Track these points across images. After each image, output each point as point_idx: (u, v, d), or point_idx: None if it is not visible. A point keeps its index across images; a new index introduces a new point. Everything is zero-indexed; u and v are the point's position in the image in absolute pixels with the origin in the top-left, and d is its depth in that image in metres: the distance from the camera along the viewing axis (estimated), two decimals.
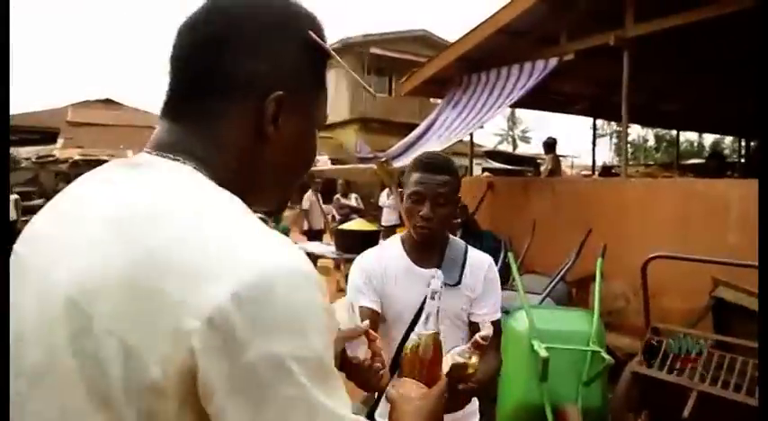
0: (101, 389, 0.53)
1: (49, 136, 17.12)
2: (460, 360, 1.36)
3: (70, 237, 0.60)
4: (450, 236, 1.84)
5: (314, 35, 0.72)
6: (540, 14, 5.65)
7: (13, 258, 0.67)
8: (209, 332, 0.51)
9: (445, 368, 1.34)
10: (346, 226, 6.15)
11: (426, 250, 1.76)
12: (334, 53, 0.75)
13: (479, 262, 1.79)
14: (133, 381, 0.52)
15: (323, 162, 8.46)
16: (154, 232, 0.56)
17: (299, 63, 0.71)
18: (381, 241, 6.31)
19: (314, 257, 6.89)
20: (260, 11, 0.70)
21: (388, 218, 9.34)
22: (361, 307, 1.67)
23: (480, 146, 24.54)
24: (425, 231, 1.69)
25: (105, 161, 0.79)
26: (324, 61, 0.75)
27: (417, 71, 7.58)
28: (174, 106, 0.70)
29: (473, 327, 1.74)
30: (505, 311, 2.60)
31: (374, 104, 20.85)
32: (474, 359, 1.34)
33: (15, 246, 0.68)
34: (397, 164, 6.14)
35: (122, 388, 0.52)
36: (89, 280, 0.55)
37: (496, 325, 1.73)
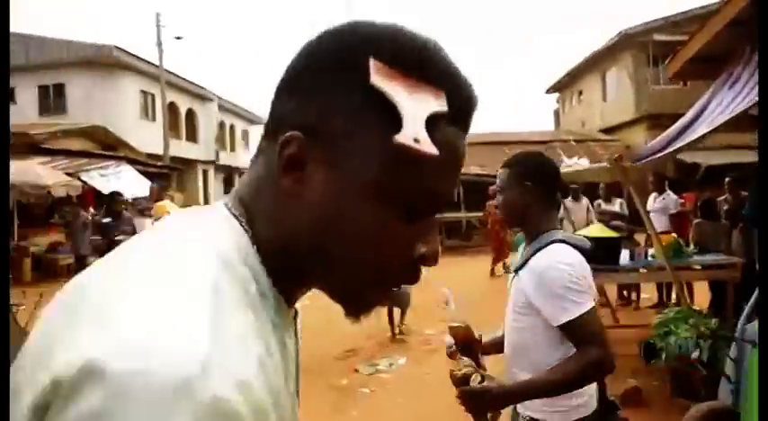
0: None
1: None
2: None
3: None
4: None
5: (374, 63, 0.52)
6: None
7: None
8: (40, 399, 0.44)
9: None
10: (582, 232, 5.47)
11: None
12: (393, 94, 0.51)
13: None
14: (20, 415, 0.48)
15: (578, 165, 7.79)
16: (88, 287, 0.51)
17: (341, 98, 0.54)
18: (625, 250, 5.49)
19: None
20: (324, 39, 0.58)
21: (656, 224, 8.13)
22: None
23: None
24: None
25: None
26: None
27: (681, 50, 6.37)
28: None
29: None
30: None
31: (664, 98, 18.43)
32: (460, 365, 1.64)
33: None
34: (645, 162, 5.19)
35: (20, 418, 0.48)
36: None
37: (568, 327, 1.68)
